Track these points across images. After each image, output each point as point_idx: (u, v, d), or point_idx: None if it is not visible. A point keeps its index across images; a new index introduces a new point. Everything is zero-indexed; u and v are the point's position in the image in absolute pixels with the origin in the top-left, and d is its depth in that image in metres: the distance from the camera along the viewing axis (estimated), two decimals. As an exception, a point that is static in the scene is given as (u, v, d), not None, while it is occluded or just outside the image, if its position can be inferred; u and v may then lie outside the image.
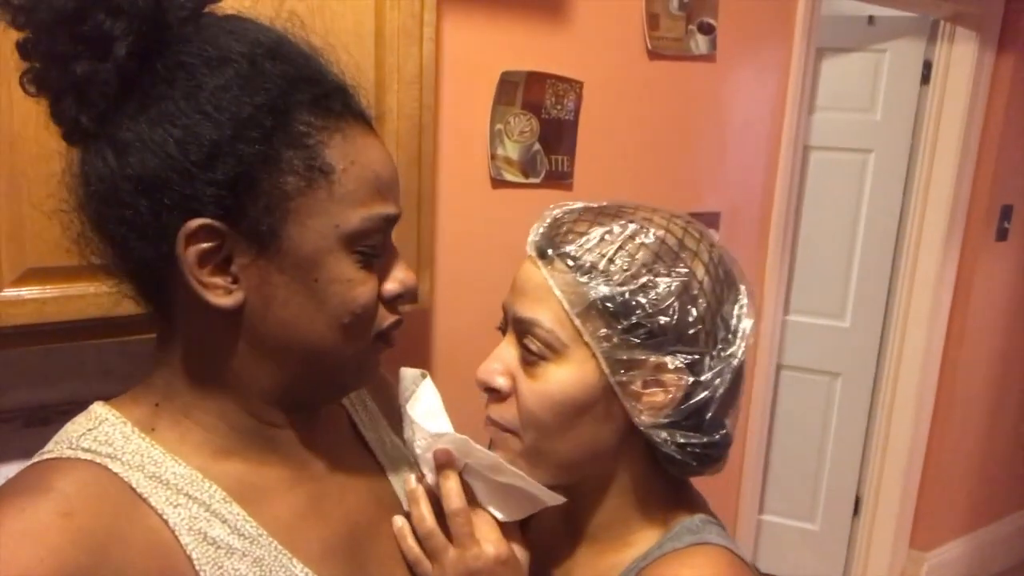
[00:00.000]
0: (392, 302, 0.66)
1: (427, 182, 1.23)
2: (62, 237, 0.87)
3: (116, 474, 0.57)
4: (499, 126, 1.56)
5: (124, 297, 0.64)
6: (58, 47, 0.55)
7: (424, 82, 1.16)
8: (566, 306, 0.65)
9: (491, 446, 0.73)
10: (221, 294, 0.59)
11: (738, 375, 0.68)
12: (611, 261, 0.65)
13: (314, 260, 0.60)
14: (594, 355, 0.65)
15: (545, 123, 1.61)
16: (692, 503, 0.73)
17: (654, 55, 1.77)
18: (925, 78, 2.48)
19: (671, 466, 0.68)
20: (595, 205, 0.71)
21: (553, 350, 0.65)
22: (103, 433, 0.59)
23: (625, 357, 0.64)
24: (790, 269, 2.53)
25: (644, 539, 0.70)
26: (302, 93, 0.59)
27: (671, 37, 1.78)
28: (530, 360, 0.67)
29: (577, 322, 0.64)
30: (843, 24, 2.51)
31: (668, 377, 0.64)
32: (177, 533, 0.57)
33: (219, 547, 0.58)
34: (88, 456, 0.57)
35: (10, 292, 0.88)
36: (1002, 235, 2.61)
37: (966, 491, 2.80)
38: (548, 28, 1.60)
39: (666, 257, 0.65)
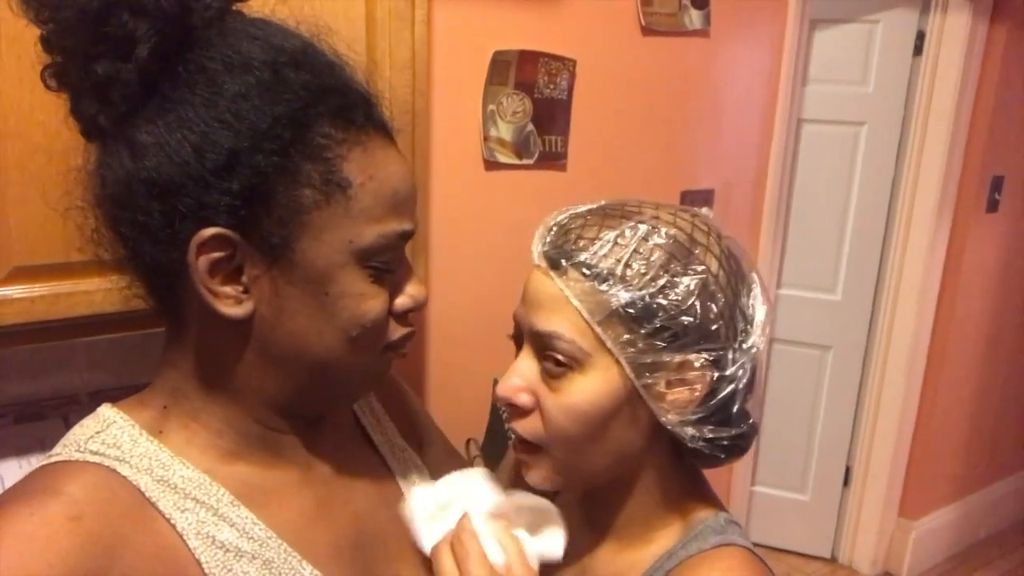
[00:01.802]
0: (402, 315, 0.66)
1: (420, 166, 1.21)
2: (49, 234, 0.86)
3: (124, 477, 0.57)
4: (492, 107, 1.54)
5: (131, 295, 0.64)
6: (80, 45, 0.54)
7: (416, 66, 1.13)
8: (586, 315, 0.63)
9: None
10: (231, 304, 0.58)
11: (756, 363, 0.68)
12: (627, 266, 0.63)
13: (326, 274, 0.59)
14: (617, 361, 0.64)
15: (538, 103, 1.59)
16: (711, 499, 0.73)
17: (648, 31, 1.74)
18: (918, 49, 2.45)
19: (698, 459, 0.68)
20: (597, 206, 0.70)
21: (576, 360, 0.64)
22: (111, 436, 0.59)
23: (650, 360, 0.63)
24: (782, 243, 2.53)
25: (665, 536, 0.70)
26: (324, 104, 0.58)
27: (665, 12, 1.76)
28: (554, 373, 0.65)
29: (599, 330, 0.63)
30: (836, -5, 2.47)
31: (692, 375, 0.64)
32: (185, 537, 0.57)
33: (228, 551, 0.58)
34: (96, 459, 0.57)
35: (-3, 292, 0.86)
36: (993, 206, 2.61)
37: (954, 461, 2.85)
38: (540, 6, 1.57)
39: (680, 256, 0.64)
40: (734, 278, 0.67)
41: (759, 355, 0.67)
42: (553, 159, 1.65)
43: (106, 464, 0.57)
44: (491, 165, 1.57)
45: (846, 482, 2.79)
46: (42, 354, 1.15)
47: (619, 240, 0.64)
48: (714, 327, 0.64)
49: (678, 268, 0.63)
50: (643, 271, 0.63)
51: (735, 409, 0.66)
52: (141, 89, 0.55)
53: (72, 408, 1.17)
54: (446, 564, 0.64)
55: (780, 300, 2.67)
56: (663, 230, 0.65)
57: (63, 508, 0.52)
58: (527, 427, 0.68)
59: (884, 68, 2.49)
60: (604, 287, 0.63)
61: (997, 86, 2.44)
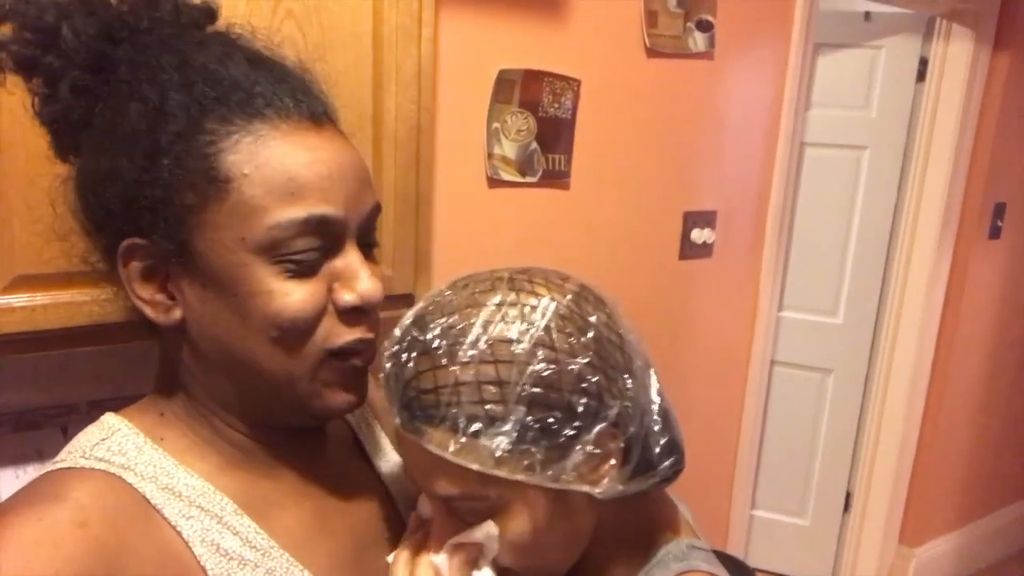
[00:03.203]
0: (350, 315, 0.61)
1: (424, 183, 1.21)
2: (53, 243, 0.86)
3: (130, 484, 0.57)
4: (496, 125, 1.54)
5: (128, 307, 0.65)
6: (31, 87, 0.61)
7: (422, 83, 1.14)
8: (478, 468, 0.58)
9: None
10: (161, 311, 0.60)
11: (648, 383, 0.65)
12: (498, 403, 0.57)
13: (229, 275, 0.58)
14: (532, 483, 0.60)
15: (542, 122, 1.60)
16: (673, 524, 0.71)
17: (652, 53, 1.75)
18: (921, 75, 2.47)
19: (642, 492, 0.66)
20: (412, 335, 0.61)
21: (491, 507, 0.61)
22: (116, 443, 0.60)
23: (560, 465, 0.59)
24: (784, 266, 2.53)
25: (626, 568, 0.68)
26: (220, 104, 0.57)
27: (669, 35, 1.77)
28: (478, 520, 0.62)
29: (498, 473, 0.58)
30: (839, 20, 2.50)
31: (605, 448, 0.61)
32: (190, 544, 0.57)
33: (232, 558, 0.59)
34: (102, 466, 0.58)
35: (-1, 300, 0.86)
36: (995, 233, 2.62)
37: (955, 488, 2.83)
38: (546, 25, 1.58)
39: (538, 359, 0.58)
40: (589, 333, 0.61)
41: (650, 383, 0.65)
42: (556, 177, 1.66)
43: (111, 471, 0.57)
44: (495, 182, 1.58)
45: (846, 507, 2.77)
46: (42, 363, 1.15)
47: (469, 376, 0.57)
48: (602, 399, 0.60)
49: (541, 370, 0.58)
50: (515, 398, 0.57)
51: (659, 447, 0.64)
52: (75, 121, 0.61)
53: (71, 418, 1.17)
54: None
55: (781, 323, 2.67)
56: (503, 339, 0.58)
57: (69, 514, 0.53)
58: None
59: (887, 93, 2.51)
60: (484, 439, 0.57)
61: (999, 113, 2.46)
